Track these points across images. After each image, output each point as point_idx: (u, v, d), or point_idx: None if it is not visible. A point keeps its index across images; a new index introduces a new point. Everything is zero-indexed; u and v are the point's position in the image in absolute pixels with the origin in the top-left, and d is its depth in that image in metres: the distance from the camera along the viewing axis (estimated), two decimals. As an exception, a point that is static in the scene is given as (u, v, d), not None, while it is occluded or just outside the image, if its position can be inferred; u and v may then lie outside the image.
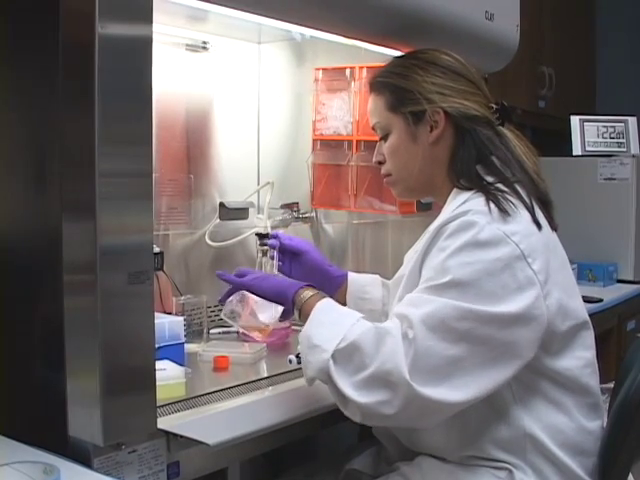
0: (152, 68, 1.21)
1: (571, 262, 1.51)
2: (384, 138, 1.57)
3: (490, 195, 1.39)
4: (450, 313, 1.28)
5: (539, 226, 1.39)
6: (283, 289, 1.51)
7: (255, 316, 1.86)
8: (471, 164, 1.47)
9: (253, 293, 1.59)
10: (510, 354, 1.31)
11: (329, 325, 1.35)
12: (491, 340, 1.29)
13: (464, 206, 1.39)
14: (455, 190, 1.47)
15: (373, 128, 1.61)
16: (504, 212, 1.36)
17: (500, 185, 1.43)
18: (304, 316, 1.43)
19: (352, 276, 1.82)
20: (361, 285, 1.80)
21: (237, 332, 1.93)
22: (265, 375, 1.68)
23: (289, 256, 1.80)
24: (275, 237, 1.84)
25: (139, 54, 1.20)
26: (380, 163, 1.60)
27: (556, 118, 3.73)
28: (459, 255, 1.31)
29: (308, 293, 1.47)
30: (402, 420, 1.32)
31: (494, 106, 1.54)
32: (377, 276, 1.85)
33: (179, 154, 2.09)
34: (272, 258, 1.80)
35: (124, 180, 1.20)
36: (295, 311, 1.47)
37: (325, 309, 1.41)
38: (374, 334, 1.30)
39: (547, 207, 1.48)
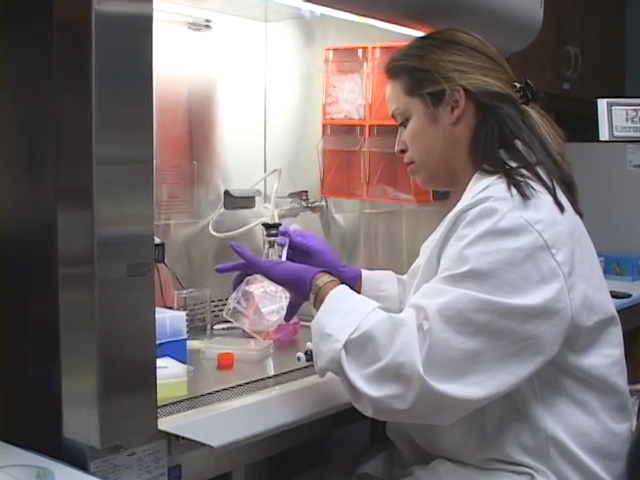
0: (152, 48, 1.21)
1: (598, 254, 1.50)
2: (404, 124, 1.58)
3: (512, 180, 1.39)
4: (468, 304, 1.28)
5: (561, 208, 1.39)
6: (300, 271, 1.52)
7: (260, 314, 1.86)
8: (494, 145, 1.48)
9: (265, 275, 1.59)
10: (531, 349, 1.31)
11: (343, 314, 1.36)
12: (511, 334, 1.29)
13: (485, 192, 1.39)
14: (477, 175, 1.48)
15: (393, 116, 1.62)
16: (527, 199, 1.36)
17: (523, 170, 1.43)
18: (319, 302, 1.43)
19: (366, 274, 1.81)
20: (376, 282, 1.80)
21: (242, 328, 1.93)
22: (272, 373, 1.68)
23: (299, 254, 1.79)
24: (285, 234, 1.82)
25: (139, 33, 1.20)
26: (402, 152, 1.61)
27: (582, 101, 3.71)
28: (478, 244, 1.32)
29: (325, 279, 1.47)
30: (415, 416, 1.32)
31: (517, 85, 1.55)
32: (391, 272, 1.85)
33: (181, 139, 2.09)
34: (280, 257, 1.79)
35: (123, 167, 1.20)
36: (311, 295, 1.47)
37: (340, 297, 1.42)
38: (389, 325, 1.31)
39: (571, 190, 1.48)
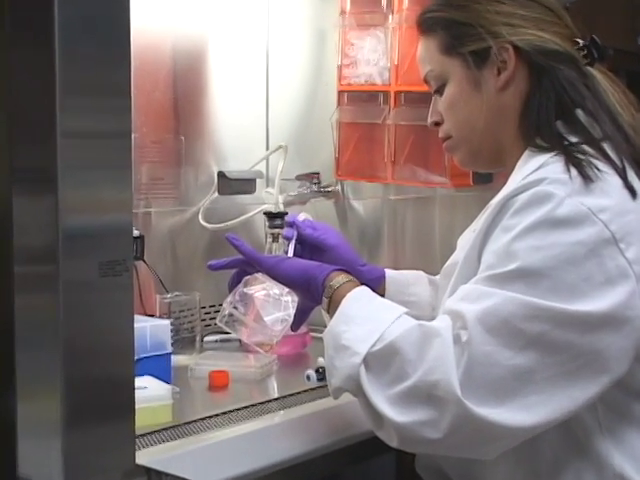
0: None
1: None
2: (439, 91, 1.58)
3: (572, 159, 1.38)
4: (516, 311, 1.27)
5: (633, 193, 1.38)
6: (311, 270, 1.52)
7: (261, 323, 1.86)
8: (549, 115, 1.47)
9: (268, 274, 1.59)
10: (594, 367, 1.30)
11: (362, 321, 1.36)
12: (569, 347, 1.28)
13: (538, 173, 1.38)
14: (527, 152, 1.47)
15: (425, 80, 1.61)
16: (590, 182, 1.35)
17: (586, 147, 1.42)
18: (334, 307, 1.43)
19: (391, 275, 1.81)
20: (403, 285, 1.80)
21: (239, 340, 1.93)
22: (275, 396, 1.69)
23: (309, 250, 1.79)
24: (292, 225, 1.81)
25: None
26: (437, 124, 1.60)
27: (662, 60, 3.69)
28: (530, 236, 1.31)
29: (342, 279, 1.47)
30: (451, 447, 1.32)
31: (580, 41, 1.54)
32: (422, 272, 1.85)
33: (165, 109, 2.09)
34: (286, 252, 1.79)
35: (94, 142, 1.20)
36: (324, 299, 1.47)
37: (359, 300, 1.42)
38: (419, 335, 1.31)
39: (645, 171, 1.47)
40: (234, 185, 2.17)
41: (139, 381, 1.41)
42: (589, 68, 1.52)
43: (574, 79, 1.48)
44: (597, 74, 1.52)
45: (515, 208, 1.35)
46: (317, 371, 1.69)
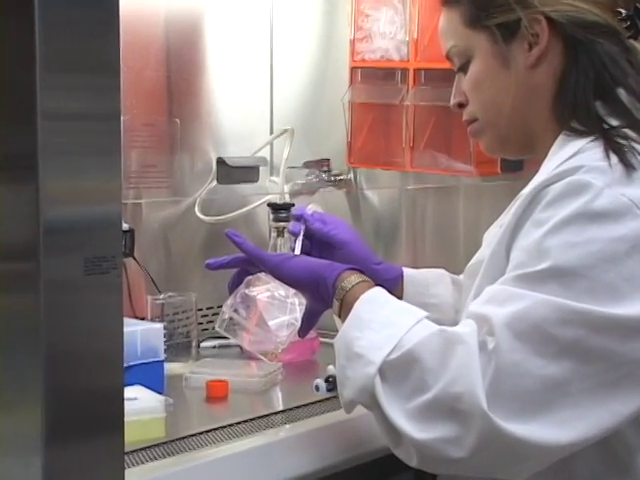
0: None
1: None
2: (464, 68, 1.57)
3: (612, 144, 1.38)
4: (548, 314, 1.27)
5: None
6: (320, 269, 1.53)
7: (265, 327, 1.86)
8: (587, 95, 1.46)
9: (273, 274, 1.60)
10: (636, 378, 1.30)
11: (378, 326, 1.36)
12: (608, 356, 1.28)
13: (574, 160, 1.38)
14: (562, 137, 1.47)
15: (448, 56, 1.61)
16: (632, 170, 1.35)
17: (628, 131, 1.42)
18: (346, 310, 1.44)
19: (409, 274, 1.81)
20: (423, 286, 1.80)
21: (240, 346, 1.93)
22: (280, 408, 1.69)
23: (319, 246, 1.79)
24: (299, 218, 1.81)
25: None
26: (461, 106, 1.60)
27: None
28: (564, 231, 1.31)
29: (355, 279, 1.48)
30: (477, 467, 1.32)
31: (623, 11, 1.53)
32: (443, 271, 1.85)
33: (157, 89, 2.10)
34: (292, 249, 1.79)
35: (79, 125, 1.19)
36: (335, 301, 1.48)
37: (373, 303, 1.42)
38: (440, 341, 1.31)
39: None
40: (234, 173, 2.17)
41: (129, 391, 1.41)
42: (632, 41, 1.51)
43: (615, 54, 1.47)
44: (642, 48, 1.52)
45: (548, 199, 1.34)
46: (327, 380, 1.69)
